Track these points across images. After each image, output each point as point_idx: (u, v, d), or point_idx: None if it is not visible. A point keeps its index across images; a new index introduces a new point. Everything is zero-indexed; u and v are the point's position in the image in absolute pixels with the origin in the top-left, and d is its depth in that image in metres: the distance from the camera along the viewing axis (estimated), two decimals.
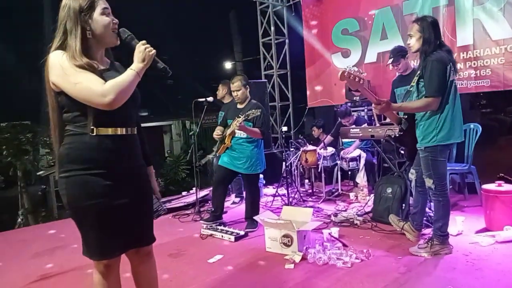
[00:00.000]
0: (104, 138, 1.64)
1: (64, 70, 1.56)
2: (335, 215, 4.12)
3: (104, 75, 1.63)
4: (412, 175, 3.19)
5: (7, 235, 4.65)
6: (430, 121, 2.88)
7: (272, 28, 7.56)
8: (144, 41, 1.68)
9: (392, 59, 4.06)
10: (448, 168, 4.06)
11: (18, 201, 7.73)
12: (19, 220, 7.35)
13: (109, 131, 1.65)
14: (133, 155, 1.78)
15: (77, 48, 1.59)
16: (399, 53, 4.04)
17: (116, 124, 1.67)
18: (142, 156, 1.86)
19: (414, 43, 2.91)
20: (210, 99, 4.80)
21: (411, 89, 2.94)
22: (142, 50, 1.64)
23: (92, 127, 1.61)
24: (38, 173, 8.18)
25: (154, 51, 1.66)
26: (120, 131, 1.69)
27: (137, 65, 1.64)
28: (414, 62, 4.73)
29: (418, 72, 2.90)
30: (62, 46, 1.63)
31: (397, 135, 3.10)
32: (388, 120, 3.97)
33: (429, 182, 2.94)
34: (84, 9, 1.63)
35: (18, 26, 11.52)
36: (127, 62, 1.74)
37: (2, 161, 7.83)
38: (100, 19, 1.66)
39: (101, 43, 1.71)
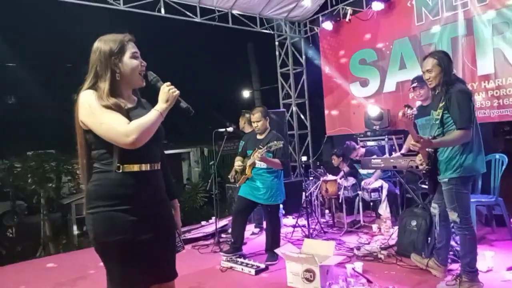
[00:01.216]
0: (129, 174, 1.68)
1: (91, 110, 1.63)
2: (358, 248, 4.03)
3: (130, 114, 1.70)
4: (434, 209, 3.11)
5: (30, 264, 4.71)
6: (454, 151, 2.82)
7: (290, 59, 7.71)
8: (168, 83, 1.75)
9: (416, 83, 3.95)
10: (474, 200, 4.02)
11: (40, 228, 7.87)
12: (41, 247, 7.46)
13: (134, 167, 1.70)
14: (157, 190, 1.81)
15: (105, 90, 1.67)
16: (424, 81, 4.01)
17: (140, 160, 1.72)
18: (166, 190, 1.88)
19: (434, 76, 2.88)
20: (230, 129, 4.86)
21: (436, 122, 2.89)
22: (166, 91, 1.71)
23: (117, 165, 1.66)
24: (60, 201, 8.37)
25: (177, 92, 1.73)
26: (145, 167, 1.73)
27: (161, 105, 1.70)
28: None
29: (441, 104, 2.85)
30: (94, 87, 1.71)
31: (425, 171, 3.03)
32: (404, 150, 3.94)
33: (453, 216, 2.85)
34: (114, 52, 1.72)
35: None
36: (153, 100, 1.82)
37: (26, 188, 8.06)
38: (130, 62, 1.75)
39: (129, 84, 1.79)
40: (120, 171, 1.66)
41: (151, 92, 1.91)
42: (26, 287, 3.65)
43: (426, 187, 3.41)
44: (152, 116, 1.67)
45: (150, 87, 1.85)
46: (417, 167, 3.20)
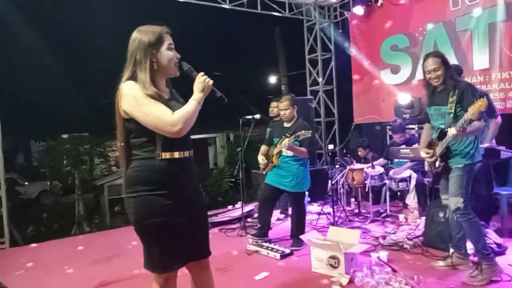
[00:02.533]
0: (169, 161, 1.79)
1: (137, 100, 1.72)
2: (384, 237, 4.02)
3: (169, 104, 1.78)
4: (447, 200, 3.10)
5: (66, 242, 4.99)
6: (469, 140, 2.95)
7: (319, 45, 7.61)
8: (202, 73, 1.83)
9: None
10: (506, 192, 3.92)
11: (74, 208, 8.28)
12: (75, 226, 7.85)
13: (174, 154, 1.80)
14: (191, 176, 1.92)
15: (147, 79, 1.76)
16: (456, 71, 3.89)
17: (178, 148, 1.82)
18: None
19: (441, 74, 2.99)
20: (258, 116, 4.89)
21: (450, 116, 2.93)
22: (202, 81, 1.81)
23: (159, 152, 1.76)
24: (93, 182, 8.74)
25: (212, 81, 1.82)
26: (183, 154, 1.84)
27: (197, 95, 1.80)
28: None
29: (452, 99, 2.91)
30: (133, 76, 1.79)
31: (439, 166, 3.06)
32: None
33: (458, 202, 2.93)
34: (153, 43, 1.80)
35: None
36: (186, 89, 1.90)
37: (62, 170, 8.46)
38: (166, 53, 1.83)
39: (165, 74, 1.88)
40: (162, 158, 1.77)
41: (183, 82, 2.00)
42: (63, 264, 3.87)
43: None
44: (192, 105, 1.77)
45: (182, 77, 1.93)
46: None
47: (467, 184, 2.96)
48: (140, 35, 1.81)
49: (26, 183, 12.14)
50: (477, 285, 2.84)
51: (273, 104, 5.13)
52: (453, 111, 2.92)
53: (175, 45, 1.89)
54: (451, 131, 2.81)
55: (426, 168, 3.28)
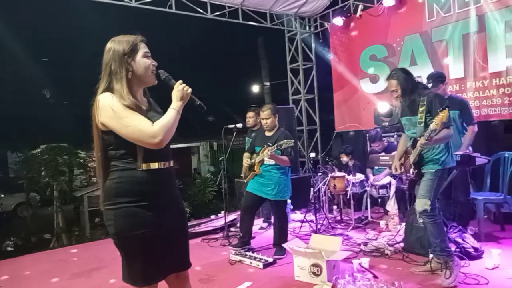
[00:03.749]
0: (150, 172, 1.77)
1: (115, 113, 1.69)
2: (365, 244, 4.07)
3: (148, 115, 1.76)
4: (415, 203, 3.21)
5: (45, 255, 4.84)
6: (441, 147, 3.08)
7: (300, 55, 7.72)
8: (181, 81, 1.82)
9: (431, 84, 3.96)
10: (482, 197, 4.03)
11: (53, 220, 8.06)
12: (54, 239, 7.65)
13: (155, 165, 1.78)
14: (172, 186, 1.91)
15: (124, 89, 1.74)
16: (439, 78, 4.02)
17: (159, 159, 1.80)
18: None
19: (400, 93, 3.21)
20: (240, 125, 4.90)
21: (421, 125, 3.07)
22: (180, 89, 1.79)
23: (140, 163, 1.74)
24: (73, 193, 8.55)
25: (190, 89, 1.81)
26: (164, 165, 1.82)
27: (176, 103, 1.79)
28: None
29: (421, 108, 3.06)
30: (109, 88, 1.77)
31: (413, 174, 3.19)
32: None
33: (425, 204, 3.04)
34: (127, 52, 1.78)
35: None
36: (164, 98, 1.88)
37: (40, 181, 8.24)
38: (142, 61, 1.81)
39: (142, 83, 1.86)
40: (142, 169, 1.74)
41: (160, 90, 1.98)
42: (43, 278, 3.76)
43: None
44: (171, 115, 1.75)
45: (159, 86, 1.91)
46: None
47: (437, 188, 3.08)
48: (114, 45, 1.79)
49: (2, 196, 11.78)
50: (454, 284, 2.94)
51: (249, 114, 5.03)
52: (423, 120, 3.06)
53: (157, 54, 1.88)
54: (420, 141, 2.96)
55: (402, 175, 3.42)
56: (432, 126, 2.79)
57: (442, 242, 3.06)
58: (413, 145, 3.13)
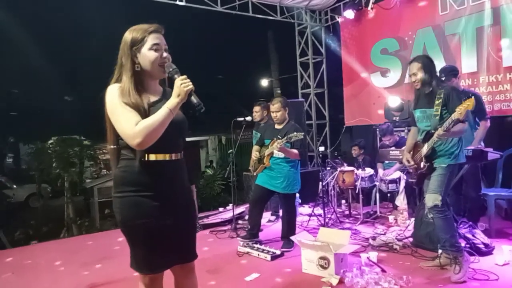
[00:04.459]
0: (153, 163, 1.75)
1: (112, 107, 1.70)
2: (374, 238, 4.05)
3: (153, 108, 1.72)
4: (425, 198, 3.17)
5: (55, 244, 4.93)
6: (454, 141, 3.04)
7: (310, 48, 7.67)
8: (183, 76, 1.69)
9: (444, 78, 3.89)
10: (493, 193, 3.97)
11: (63, 211, 8.18)
12: (64, 229, 7.76)
13: (158, 157, 1.76)
14: (178, 178, 1.87)
15: (127, 84, 1.71)
16: (451, 72, 3.95)
17: (163, 151, 1.77)
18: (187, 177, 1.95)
19: (420, 79, 3.10)
20: (249, 118, 4.89)
21: (436, 118, 3.02)
22: (178, 86, 1.67)
23: (144, 153, 1.73)
24: (83, 185, 8.65)
25: (190, 86, 1.67)
26: (169, 156, 1.79)
27: (172, 100, 1.68)
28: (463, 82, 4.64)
29: (438, 101, 3.00)
30: (120, 78, 1.76)
31: (423, 167, 3.14)
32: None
33: (436, 200, 3.00)
34: (134, 43, 1.74)
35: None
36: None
37: (51, 172, 8.35)
38: (148, 53, 1.73)
39: (151, 76, 1.80)
40: (145, 159, 1.73)
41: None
42: (53, 267, 3.82)
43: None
44: (161, 115, 1.65)
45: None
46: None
47: (448, 184, 3.04)
48: (126, 35, 1.76)
49: (15, 186, 11.98)
50: (463, 279, 2.91)
51: (255, 108, 5.01)
52: (439, 113, 3.01)
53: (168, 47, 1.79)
54: (438, 131, 2.89)
55: (410, 169, 3.37)
56: (455, 115, 2.71)
57: (452, 237, 3.03)
58: (425, 138, 3.09)
